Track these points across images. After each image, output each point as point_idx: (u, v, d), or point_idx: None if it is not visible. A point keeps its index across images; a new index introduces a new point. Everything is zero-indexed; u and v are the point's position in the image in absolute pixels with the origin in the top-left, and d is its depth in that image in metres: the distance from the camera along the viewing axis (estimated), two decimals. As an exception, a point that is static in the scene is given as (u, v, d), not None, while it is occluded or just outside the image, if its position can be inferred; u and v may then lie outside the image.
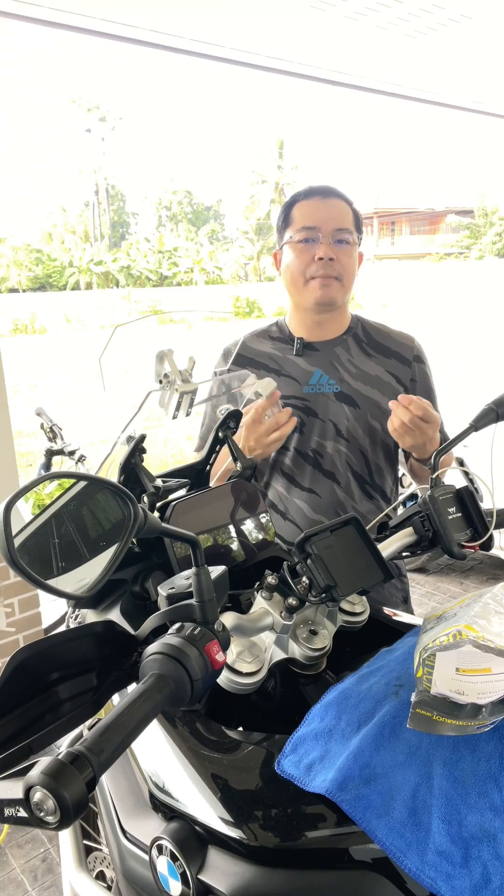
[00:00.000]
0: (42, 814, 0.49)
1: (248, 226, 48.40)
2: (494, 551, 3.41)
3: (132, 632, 0.73)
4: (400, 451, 1.52)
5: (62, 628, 0.83)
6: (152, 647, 0.63)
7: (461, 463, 1.29)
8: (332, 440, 1.45)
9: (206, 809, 0.67)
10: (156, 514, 0.99)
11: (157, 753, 0.76)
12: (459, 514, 0.99)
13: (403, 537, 1.00)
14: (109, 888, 0.91)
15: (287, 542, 1.47)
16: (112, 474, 1.00)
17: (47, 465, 2.33)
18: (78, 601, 1.08)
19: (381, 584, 0.85)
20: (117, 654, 0.71)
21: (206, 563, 0.68)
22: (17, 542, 0.56)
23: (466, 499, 1.01)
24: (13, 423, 2.50)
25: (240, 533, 1.05)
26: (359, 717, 0.73)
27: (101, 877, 0.96)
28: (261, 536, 1.08)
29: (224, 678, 0.78)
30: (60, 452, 2.26)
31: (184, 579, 0.76)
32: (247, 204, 50.98)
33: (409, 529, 1.00)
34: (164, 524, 0.66)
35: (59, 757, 0.50)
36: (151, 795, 0.75)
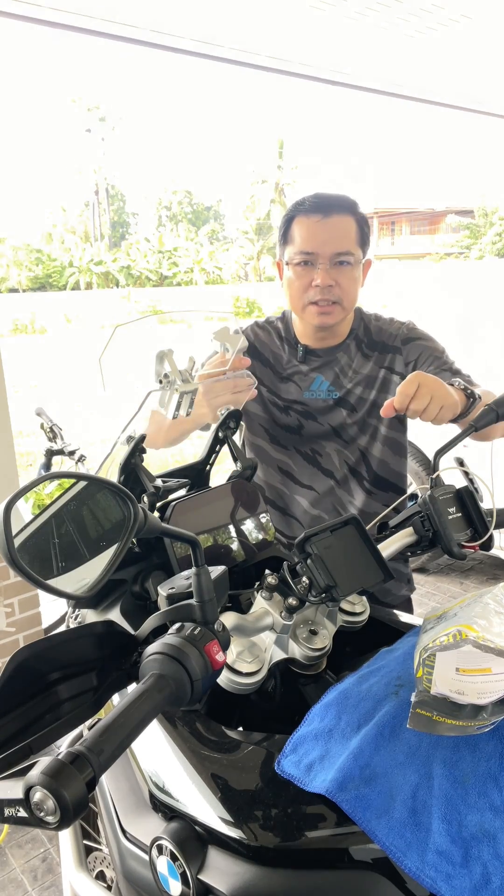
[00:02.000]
0: (42, 814, 0.49)
1: (248, 226, 48.39)
2: (494, 551, 3.41)
3: (132, 632, 0.73)
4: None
5: (62, 628, 0.83)
6: (152, 647, 0.63)
7: (461, 463, 1.30)
8: (331, 442, 1.46)
9: (206, 809, 0.67)
10: (156, 514, 0.99)
11: (157, 753, 0.76)
12: (459, 514, 1.00)
13: (403, 537, 1.00)
14: (109, 888, 0.91)
15: (287, 537, 1.47)
16: (112, 474, 1.00)
17: (47, 465, 2.33)
18: (78, 601, 1.08)
19: (381, 583, 0.85)
20: (117, 654, 0.71)
21: (206, 563, 0.68)
22: (17, 542, 0.56)
23: (466, 499, 1.01)
24: (13, 423, 2.50)
25: (240, 533, 1.05)
26: (359, 717, 0.73)
27: (101, 877, 0.96)
28: (261, 536, 1.08)
29: (224, 678, 0.78)
30: (60, 452, 2.26)
31: (184, 579, 0.76)
32: (247, 204, 50.96)
33: (409, 529, 1.00)
34: (164, 524, 0.66)
35: (59, 757, 0.50)
36: (151, 795, 0.75)
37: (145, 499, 0.98)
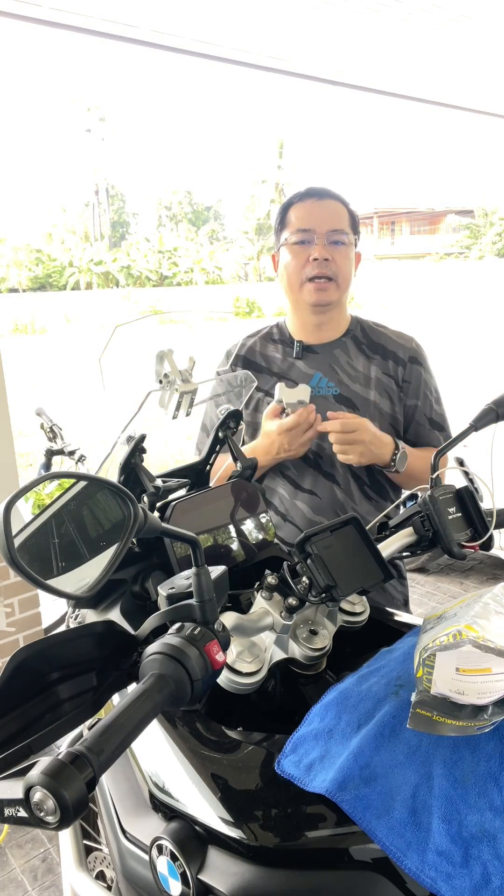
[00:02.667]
0: (42, 814, 0.49)
1: (248, 226, 48.39)
2: (494, 551, 3.41)
3: (132, 632, 0.73)
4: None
5: (62, 628, 0.83)
6: (152, 647, 0.63)
7: (461, 463, 1.29)
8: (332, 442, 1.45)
9: (206, 809, 0.67)
10: (156, 514, 0.99)
11: (157, 753, 0.76)
12: (459, 514, 0.99)
13: (403, 537, 1.00)
14: (109, 888, 0.91)
15: (288, 543, 1.47)
16: (112, 474, 1.00)
17: (47, 465, 2.33)
18: (78, 601, 1.08)
19: (381, 583, 0.85)
20: (117, 654, 0.71)
21: (206, 563, 0.68)
22: (17, 542, 0.56)
23: (466, 499, 1.01)
24: (13, 423, 2.50)
25: (240, 533, 1.05)
26: (359, 717, 0.73)
27: (101, 877, 0.96)
28: (261, 536, 1.08)
29: (224, 678, 0.78)
30: (60, 452, 2.26)
31: (184, 579, 0.76)
32: (247, 204, 50.98)
33: (409, 529, 1.00)
34: (164, 524, 0.66)
35: (59, 757, 0.50)
36: (151, 795, 0.75)
37: (145, 499, 0.98)
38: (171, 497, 1.03)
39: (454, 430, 1.45)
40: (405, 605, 1.54)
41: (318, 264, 1.40)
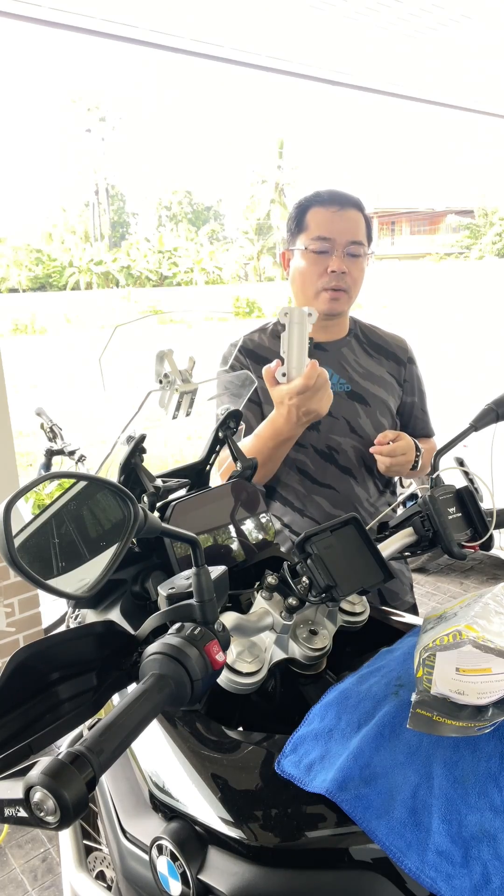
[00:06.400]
0: (42, 814, 0.49)
1: (248, 226, 48.39)
2: (494, 551, 3.40)
3: (132, 632, 0.73)
4: None
5: (62, 628, 0.83)
6: (152, 647, 0.63)
7: (461, 463, 1.30)
8: (347, 437, 1.47)
9: (206, 809, 0.67)
10: (156, 514, 0.99)
11: (157, 753, 0.76)
12: (459, 514, 1.00)
13: (403, 537, 1.00)
14: (109, 888, 0.91)
15: None
16: (112, 474, 1.00)
17: (47, 465, 2.33)
18: (78, 601, 1.08)
19: (381, 583, 0.85)
20: (117, 654, 0.71)
21: (206, 563, 0.68)
22: (17, 542, 0.56)
23: (466, 499, 1.01)
24: (13, 423, 2.50)
25: (240, 533, 1.05)
26: (359, 717, 0.73)
27: (101, 877, 0.96)
28: (261, 536, 1.08)
29: (224, 678, 0.78)
30: (60, 452, 2.27)
31: (184, 579, 0.76)
32: (247, 204, 50.98)
33: (409, 529, 1.00)
34: (164, 524, 0.66)
35: (59, 757, 0.50)
36: (151, 795, 0.75)
37: (145, 499, 0.98)
38: (171, 497, 1.03)
39: (454, 430, 1.46)
40: (411, 591, 1.59)
41: (335, 276, 1.40)
